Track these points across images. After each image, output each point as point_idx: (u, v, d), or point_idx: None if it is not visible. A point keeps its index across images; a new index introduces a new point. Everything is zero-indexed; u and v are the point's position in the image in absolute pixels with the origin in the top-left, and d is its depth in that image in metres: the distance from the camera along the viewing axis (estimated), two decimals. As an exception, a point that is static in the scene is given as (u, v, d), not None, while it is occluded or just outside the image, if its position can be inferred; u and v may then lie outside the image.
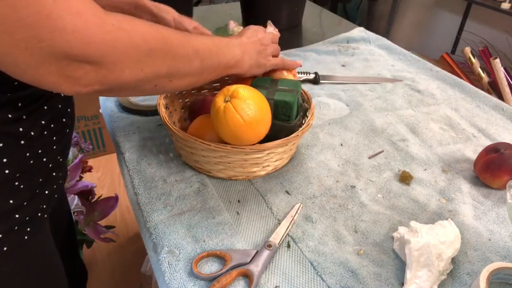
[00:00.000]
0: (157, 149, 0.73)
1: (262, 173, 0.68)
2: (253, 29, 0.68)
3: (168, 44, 0.47)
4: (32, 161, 0.49)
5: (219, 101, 0.58)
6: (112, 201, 1.18)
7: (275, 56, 0.71)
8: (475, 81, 1.74)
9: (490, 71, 1.66)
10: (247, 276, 0.52)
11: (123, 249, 1.59)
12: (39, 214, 0.54)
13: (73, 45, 0.36)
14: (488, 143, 0.79)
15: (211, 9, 1.52)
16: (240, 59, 0.61)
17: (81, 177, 1.19)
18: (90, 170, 1.23)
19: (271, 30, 1.08)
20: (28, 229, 0.52)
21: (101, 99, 0.89)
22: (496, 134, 0.82)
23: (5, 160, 0.46)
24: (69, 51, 0.36)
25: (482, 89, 1.54)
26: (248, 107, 0.57)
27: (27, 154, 0.49)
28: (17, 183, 0.48)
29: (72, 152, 1.15)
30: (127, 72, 0.42)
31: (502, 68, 1.60)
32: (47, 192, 0.54)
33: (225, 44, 0.59)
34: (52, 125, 0.52)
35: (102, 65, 0.40)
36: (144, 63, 0.44)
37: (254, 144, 0.61)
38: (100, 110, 0.89)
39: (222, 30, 1.10)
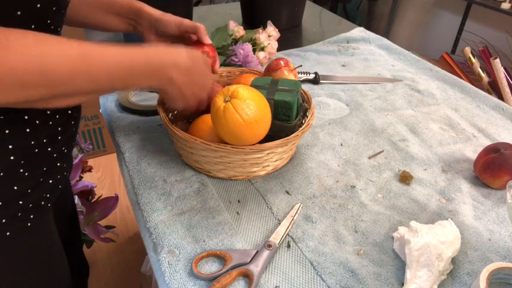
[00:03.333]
0: (157, 149, 0.73)
1: (262, 173, 0.68)
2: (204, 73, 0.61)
3: (47, 76, 0.40)
4: (36, 150, 0.51)
5: (219, 101, 0.58)
6: (112, 201, 1.18)
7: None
8: (475, 81, 1.74)
9: (490, 71, 1.66)
10: (247, 276, 0.52)
11: (123, 249, 1.59)
12: (43, 203, 0.55)
13: None
14: (488, 143, 0.79)
15: (211, 9, 1.52)
16: (162, 87, 0.55)
17: (81, 177, 1.19)
18: (90, 170, 1.23)
19: (271, 30, 1.08)
20: (31, 216, 0.54)
21: (101, 99, 0.89)
22: (496, 134, 0.82)
23: (10, 146, 0.47)
24: None
25: (482, 89, 1.53)
26: (248, 107, 0.57)
27: (32, 142, 0.50)
28: (21, 170, 0.49)
29: (72, 152, 1.15)
30: None
31: (502, 68, 1.60)
32: (51, 181, 0.55)
33: (142, 70, 0.51)
34: (57, 116, 0.53)
35: None
36: (9, 94, 0.39)
37: (254, 144, 0.61)
38: (100, 110, 0.89)
39: (222, 30, 1.10)
